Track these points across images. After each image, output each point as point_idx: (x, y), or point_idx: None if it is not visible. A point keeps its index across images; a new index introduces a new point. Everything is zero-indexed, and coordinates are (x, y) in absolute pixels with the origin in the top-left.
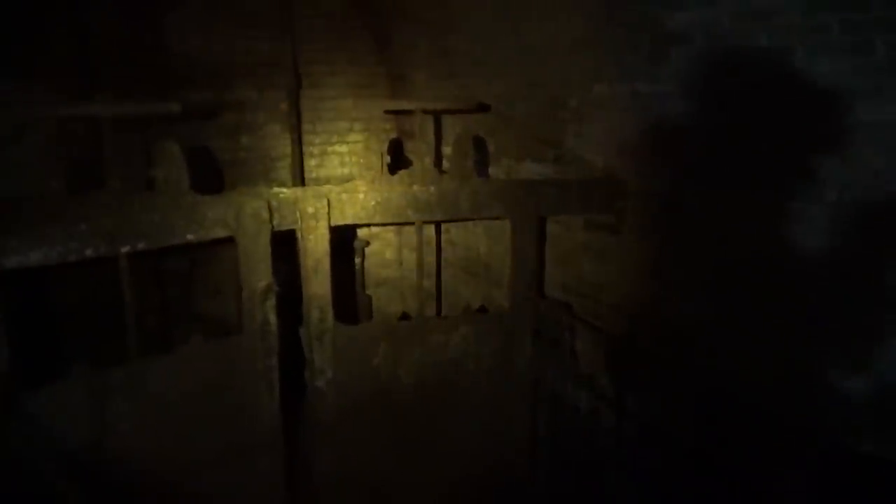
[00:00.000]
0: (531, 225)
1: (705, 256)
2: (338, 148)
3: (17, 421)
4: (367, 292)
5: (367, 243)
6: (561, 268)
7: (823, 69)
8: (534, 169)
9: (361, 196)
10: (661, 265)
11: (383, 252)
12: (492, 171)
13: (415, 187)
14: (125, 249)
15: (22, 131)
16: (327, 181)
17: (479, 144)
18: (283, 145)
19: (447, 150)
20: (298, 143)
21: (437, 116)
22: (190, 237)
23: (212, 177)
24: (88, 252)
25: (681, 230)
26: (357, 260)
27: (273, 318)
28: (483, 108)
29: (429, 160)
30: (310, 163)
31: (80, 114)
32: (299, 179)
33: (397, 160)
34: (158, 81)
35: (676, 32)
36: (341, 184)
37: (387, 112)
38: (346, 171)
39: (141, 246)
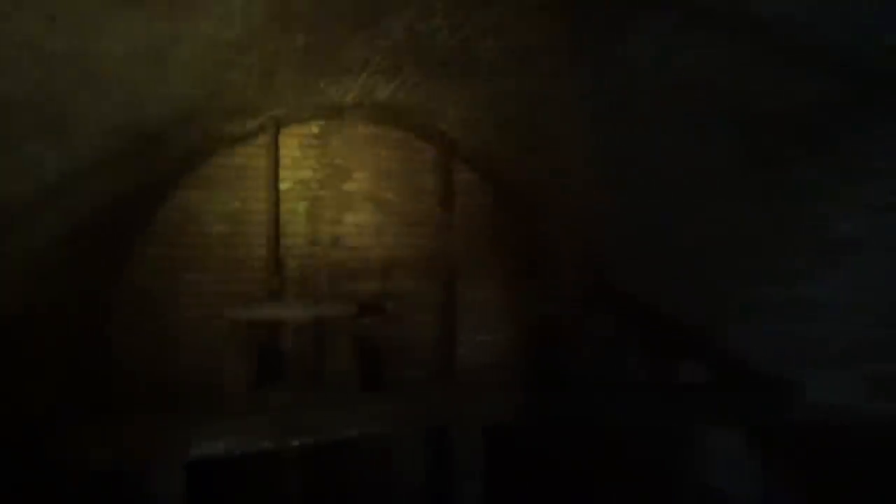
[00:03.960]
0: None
1: None
2: (486, 338)
3: None
4: None
5: None
6: None
7: None
8: (691, 368)
9: None
10: None
11: None
12: None
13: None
14: (296, 444)
15: None
16: (482, 369)
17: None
18: (435, 333)
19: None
20: (450, 331)
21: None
22: (353, 432)
23: (375, 366)
24: (265, 444)
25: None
26: None
27: None
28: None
29: None
30: (461, 350)
31: (266, 317)
32: (448, 366)
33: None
34: (335, 274)
35: (847, 238)
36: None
37: None
38: (496, 360)
39: (310, 440)
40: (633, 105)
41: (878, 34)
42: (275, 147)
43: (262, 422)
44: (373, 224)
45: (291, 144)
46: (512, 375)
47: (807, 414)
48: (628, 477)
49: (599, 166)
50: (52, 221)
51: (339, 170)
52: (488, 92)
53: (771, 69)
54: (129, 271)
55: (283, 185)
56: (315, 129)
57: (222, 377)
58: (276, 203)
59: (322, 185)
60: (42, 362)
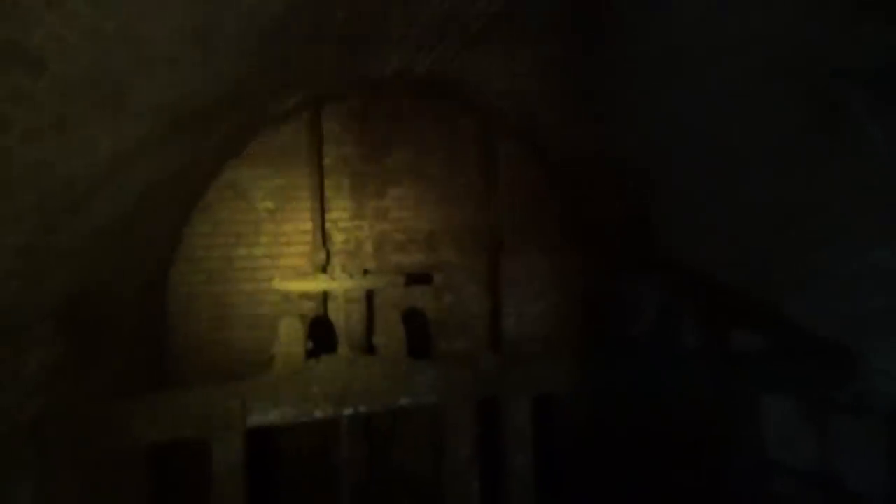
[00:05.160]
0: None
1: None
2: (533, 308)
3: None
4: None
5: None
6: None
7: None
8: (747, 336)
9: None
10: None
11: None
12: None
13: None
14: (348, 412)
15: None
16: (529, 340)
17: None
18: (482, 305)
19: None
20: (496, 302)
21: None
22: (404, 401)
23: (423, 337)
24: (317, 413)
25: None
26: None
27: (476, 487)
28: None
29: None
30: (507, 322)
31: (315, 289)
32: (495, 338)
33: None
34: (381, 247)
35: None
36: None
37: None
38: (543, 331)
39: (362, 409)
40: (684, 67)
41: None
42: (317, 123)
43: (315, 392)
44: (416, 197)
45: (333, 120)
46: (561, 345)
47: (869, 384)
48: (683, 446)
49: (649, 132)
50: (111, 199)
51: (382, 144)
52: (531, 61)
53: (838, 22)
54: (183, 248)
55: (326, 161)
56: (356, 104)
57: (275, 348)
58: (321, 178)
59: (365, 159)
60: (108, 337)
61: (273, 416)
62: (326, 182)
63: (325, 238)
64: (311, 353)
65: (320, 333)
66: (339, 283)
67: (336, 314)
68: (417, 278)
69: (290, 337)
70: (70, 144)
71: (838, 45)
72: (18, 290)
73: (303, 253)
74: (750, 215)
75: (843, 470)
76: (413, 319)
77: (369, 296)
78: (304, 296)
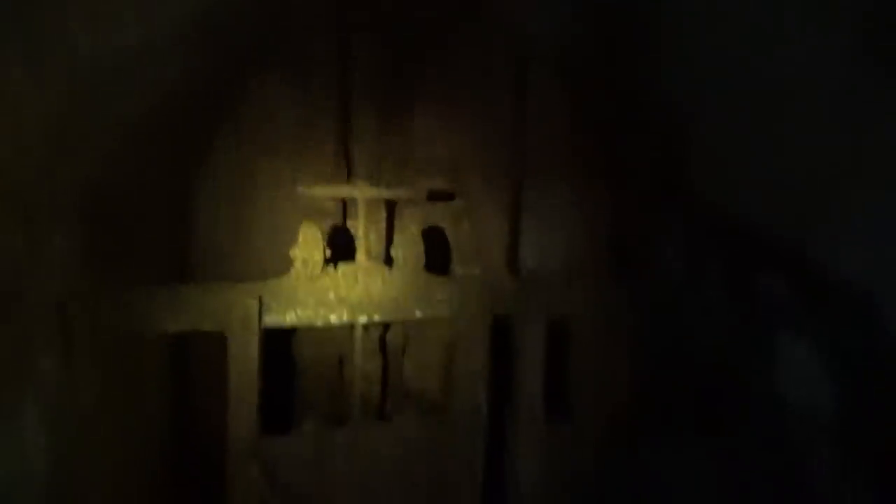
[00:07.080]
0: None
1: None
2: (554, 242)
3: (256, 464)
4: None
5: None
6: None
7: None
8: (771, 282)
9: None
10: None
11: None
12: None
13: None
14: (363, 320)
15: None
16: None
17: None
18: (501, 234)
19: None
20: (516, 233)
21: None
22: (418, 314)
23: (440, 255)
24: (332, 319)
25: None
26: None
27: (484, 403)
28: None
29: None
30: (526, 252)
31: (337, 195)
32: (513, 268)
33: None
34: (403, 167)
35: None
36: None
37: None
38: (563, 265)
39: (377, 318)
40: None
41: None
42: (345, 38)
43: (332, 297)
44: (443, 120)
45: (362, 36)
46: (580, 277)
47: (891, 332)
48: (698, 386)
49: (690, 70)
50: (137, 93)
51: (412, 64)
52: None
53: None
54: (205, 156)
55: (352, 77)
56: (387, 21)
57: (293, 252)
58: (346, 94)
59: (393, 78)
60: (129, 236)
61: (289, 318)
62: (351, 99)
63: (347, 155)
64: (329, 262)
65: (339, 244)
66: (361, 192)
67: (355, 227)
68: (439, 194)
69: (309, 242)
70: (96, 19)
71: None
72: (41, 167)
73: (324, 169)
74: (786, 159)
75: (860, 419)
76: (432, 238)
77: (390, 211)
78: (323, 210)
